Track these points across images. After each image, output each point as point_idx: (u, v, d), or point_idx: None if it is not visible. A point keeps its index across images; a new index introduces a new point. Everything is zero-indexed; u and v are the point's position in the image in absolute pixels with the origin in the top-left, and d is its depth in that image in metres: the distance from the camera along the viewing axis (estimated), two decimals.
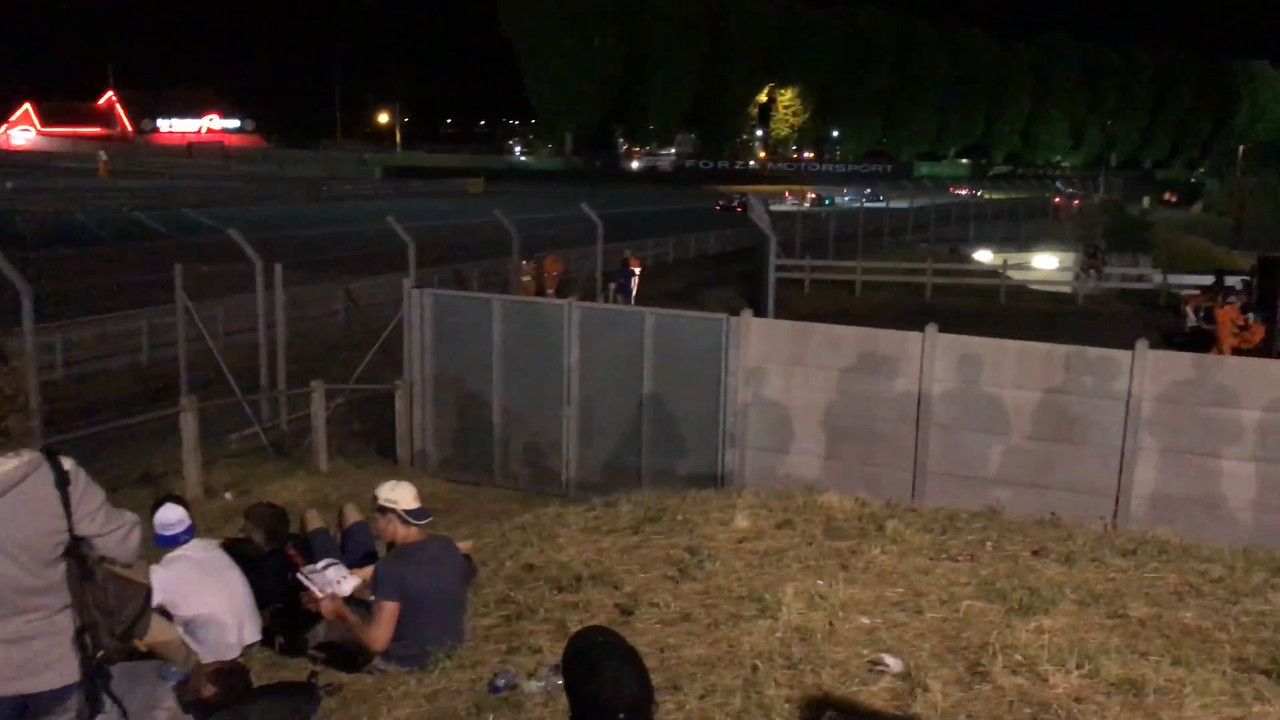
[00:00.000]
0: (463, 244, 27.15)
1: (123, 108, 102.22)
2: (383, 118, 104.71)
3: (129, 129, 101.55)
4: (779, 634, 4.72)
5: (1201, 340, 21.58)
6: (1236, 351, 19.03)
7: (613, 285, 21.48)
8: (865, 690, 4.12)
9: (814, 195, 58.35)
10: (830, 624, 4.82)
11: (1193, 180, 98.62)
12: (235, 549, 5.71)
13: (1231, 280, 27.31)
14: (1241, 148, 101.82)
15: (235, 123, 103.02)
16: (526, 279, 21.50)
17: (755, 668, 4.35)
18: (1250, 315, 22.16)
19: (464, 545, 6.04)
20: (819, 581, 5.43)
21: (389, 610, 4.87)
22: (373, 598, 4.99)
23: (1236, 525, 9.77)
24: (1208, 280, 28.88)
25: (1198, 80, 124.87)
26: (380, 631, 4.89)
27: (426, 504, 5.27)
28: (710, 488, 9.56)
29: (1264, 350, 20.27)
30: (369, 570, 5.34)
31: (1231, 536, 8.04)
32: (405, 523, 5.04)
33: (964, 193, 62.35)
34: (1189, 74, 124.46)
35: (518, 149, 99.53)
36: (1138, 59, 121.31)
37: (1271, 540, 8.32)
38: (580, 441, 12.44)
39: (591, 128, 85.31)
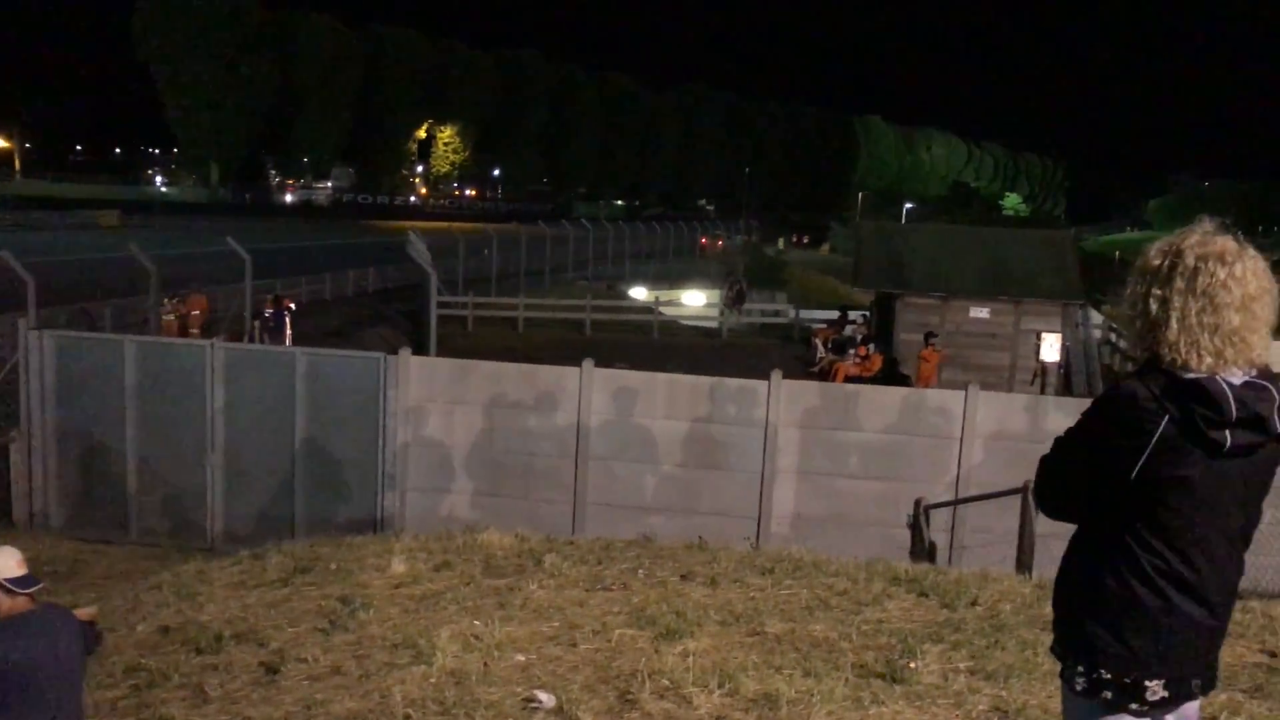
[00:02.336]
0: (94, 281, 24.94)
1: None
2: None
3: None
4: (433, 679, 4.63)
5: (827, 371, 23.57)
6: (858, 380, 20.95)
7: (256, 323, 20.39)
8: None
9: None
10: (485, 664, 4.79)
11: (821, 224, 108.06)
12: None
13: (854, 315, 30.10)
14: (861, 194, 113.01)
15: None
16: (169, 318, 20.05)
17: (408, 717, 4.25)
18: (870, 346, 24.49)
19: (84, 612, 5.46)
20: (476, 622, 5.39)
21: None
22: None
23: (861, 539, 10.70)
24: (834, 315, 31.69)
25: (823, 131, 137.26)
26: None
27: (47, 567, 4.76)
28: (369, 533, 9.29)
29: (882, 378, 22.45)
30: None
31: (858, 550, 8.78)
32: (9, 593, 4.50)
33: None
34: (817, 126, 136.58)
35: (159, 179, 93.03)
36: (773, 110, 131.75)
37: (890, 552, 9.18)
38: (227, 491, 11.74)
39: (240, 159, 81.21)
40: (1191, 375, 2.29)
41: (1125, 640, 2.37)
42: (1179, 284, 2.33)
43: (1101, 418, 2.38)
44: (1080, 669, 2.43)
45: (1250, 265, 2.34)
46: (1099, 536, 2.44)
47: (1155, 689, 2.37)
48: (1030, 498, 9.17)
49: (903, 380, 19.36)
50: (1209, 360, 2.29)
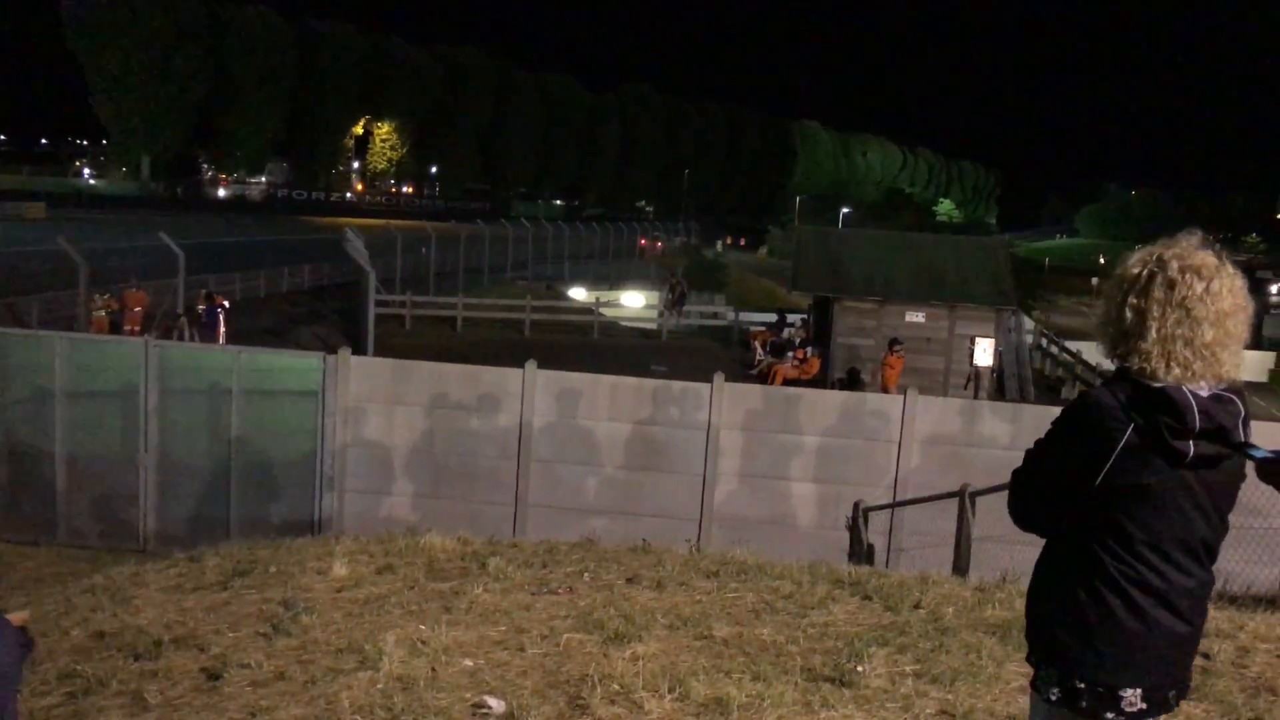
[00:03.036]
0: (19, 275, 24.28)
1: None
2: None
3: None
4: (380, 685, 4.57)
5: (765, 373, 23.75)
6: (796, 382, 21.14)
7: (184, 319, 19.99)
8: None
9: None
10: (433, 669, 4.74)
11: (758, 227, 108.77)
12: None
13: (792, 318, 30.34)
14: (799, 198, 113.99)
15: None
16: (100, 314, 19.60)
17: None
18: (808, 349, 24.74)
19: (16, 616, 5.29)
20: (421, 626, 5.33)
21: None
22: None
23: (802, 541, 10.79)
24: (772, 318, 31.93)
25: (762, 135, 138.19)
26: None
27: None
28: (307, 534, 9.15)
29: (820, 380, 22.68)
30: None
31: (798, 552, 8.84)
32: None
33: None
34: (756, 129, 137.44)
35: (86, 171, 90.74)
36: (711, 113, 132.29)
37: (831, 554, 9.26)
38: (160, 491, 11.51)
39: (172, 152, 79.52)
40: (1158, 385, 2.33)
41: (1098, 648, 2.39)
42: (1158, 294, 2.37)
43: (1069, 425, 2.42)
44: (1055, 678, 2.45)
45: (1227, 282, 2.38)
46: (1069, 546, 2.47)
47: (1132, 698, 2.39)
48: (966, 501, 9.32)
49: (859, 389, 19.52)
50: (1177, 371, 2.33)
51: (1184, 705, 4.24)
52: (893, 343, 21.32)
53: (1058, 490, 2.45)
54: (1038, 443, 2.51)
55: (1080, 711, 2.42)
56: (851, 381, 21.28)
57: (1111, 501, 2.36)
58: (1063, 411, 2.49)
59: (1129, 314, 2.39)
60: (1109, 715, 2.40)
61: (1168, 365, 2.34)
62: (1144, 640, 2.38)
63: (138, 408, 11.34)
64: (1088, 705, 2.41)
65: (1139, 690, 2.39)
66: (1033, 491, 2.54)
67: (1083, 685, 2.41)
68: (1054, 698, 2.45)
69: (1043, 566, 2.56)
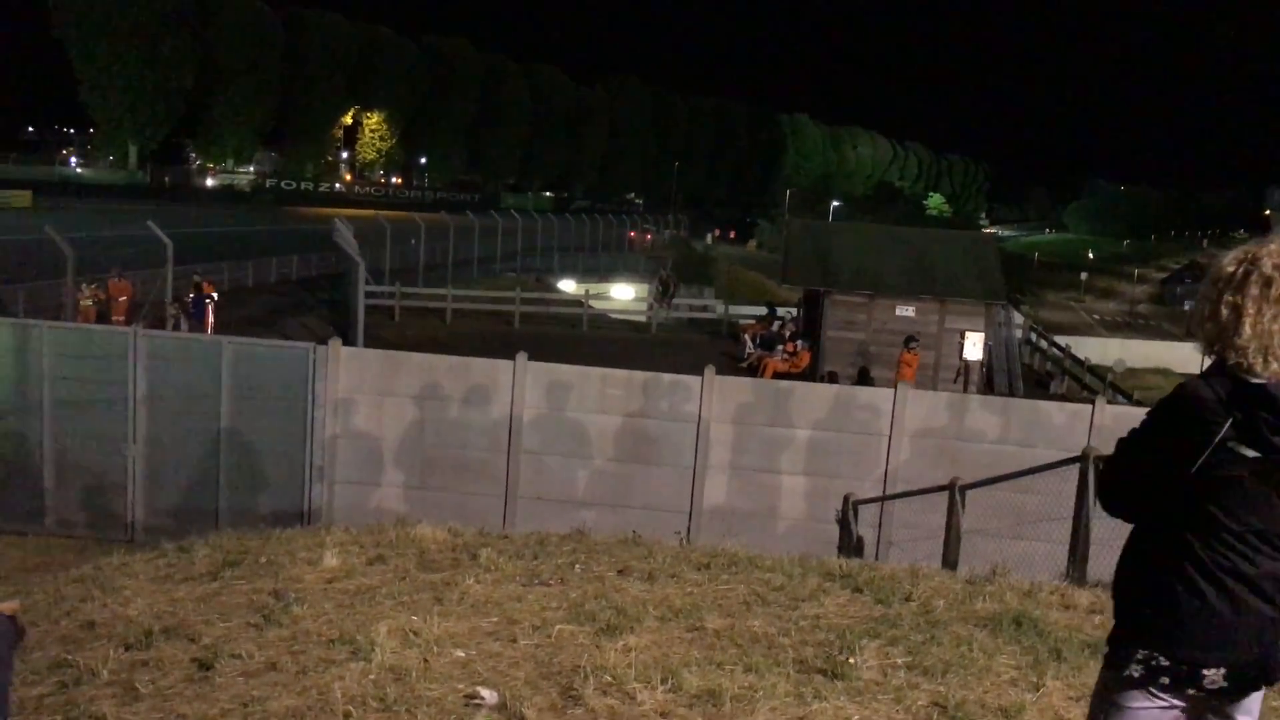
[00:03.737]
0: (5, 264, 24.13)
1: None
2: None
3: None
4: (372, 676, 4.56)
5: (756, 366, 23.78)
6: (786, 376, 21.16)
7: (173, 307, 19.86)
8: None
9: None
10: (425, 660, 4.74)
11: (748, 220, 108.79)
12: None
13: (782, 311, 30.36)
14: (789, 191, 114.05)
15: None
16: (87, 303, 19.48)
17: (348, 714, 4.18)
18: (798, 343, 24.76)
19: (6, 606, 5.28)
20: (413, 617, 5.33)
21: None
22: None
23: (792, 534, 10.82)
24: (762, 311, 31.95)
25: (751, 128, 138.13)
26: None
27: None
28: (297, 525, 9.14)
29: (809, 374, 22.72)
30: None
31: (788, 545, 8.87)
32: None
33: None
34: (744, 122, 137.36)
35: (73, 160, 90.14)
36: (700, 105, 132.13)
37: (820, 546, 9.30)
38: (148, 482, 11.47)
39: (159, 141, 79.03)
40: (1257, 380, 2.40)
41: (1187, 627, 2.46)
42: (1253, 291, 2.44)
43: (1167, 415, 2.50)
44: (1139, 655, 2.52)
45: None
46: (1160, 531, 2.54)
47: (1214, 677, 2.46)
48: (955, 494, 9.36)
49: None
50: (1275, 366, 2.40)
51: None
52: (908, 340, 21.37)
53: (1152, 479, 2.52)
54: (1133, 431, 2.58)
55: (1161, 688, 2.50)
56: (862, 380, 21.32)
57: (1205, 491, 2.43)
58: (1160, 402, 2.56)
59: (1225, 311, 2.46)
60: (1190, 691, 2.49)
61: (1265, 360, 2.40)
62: (1232, 622, 2.45)
63: (126, 398, 11.28)
64: (1170, 682, 2.49)
65: (1222, 670, 2.46)
66: (1125, 479, 2.62)
67: (1166, 663, 2.48)
68: (1136, 674, 2.53)
69: (1131, 549, 2.64)
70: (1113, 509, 2.68)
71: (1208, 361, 2.54)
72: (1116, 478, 2.65)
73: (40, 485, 11.41)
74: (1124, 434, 2.62)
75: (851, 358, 23.77)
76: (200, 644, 5.17)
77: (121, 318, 18.91)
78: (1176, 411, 2.47)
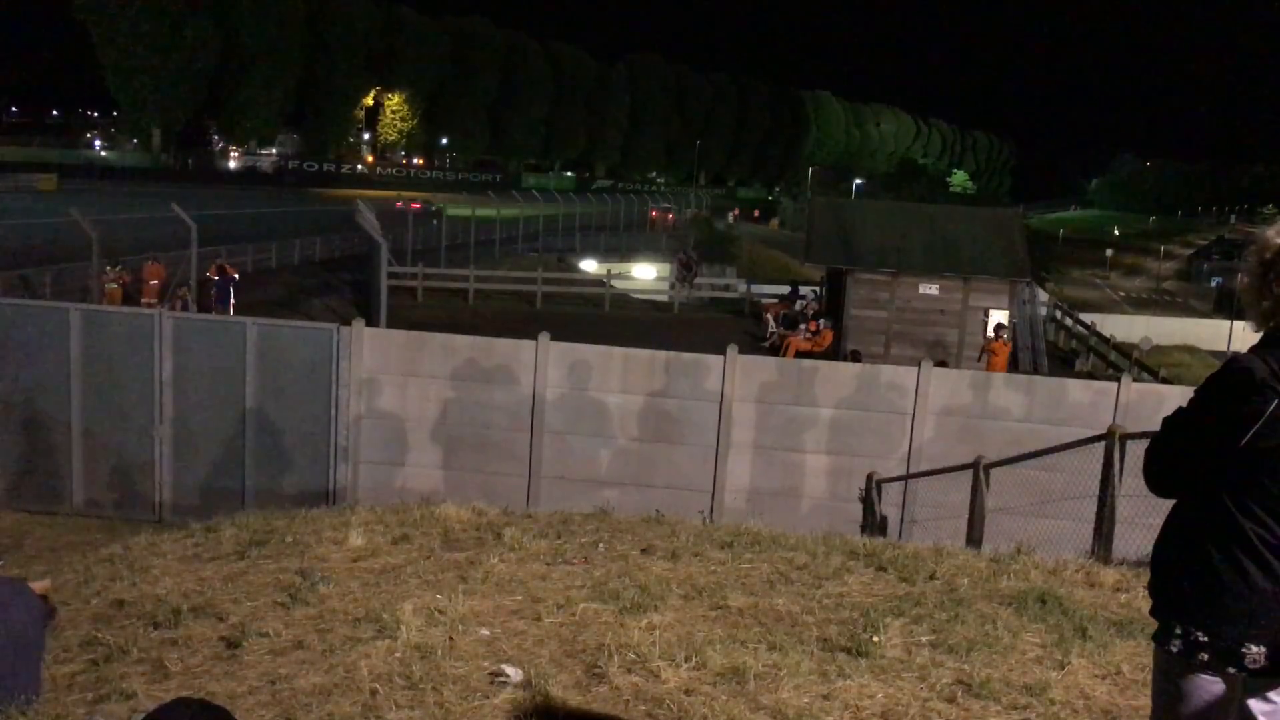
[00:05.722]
0: (32, 247, 24.32)
1: None
2: None
3: None
4: (398, 654, 4.60)
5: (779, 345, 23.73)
6: (808, 355, 21.11)
7: (184, 289, 19.95)
8: (488, 704, 4.11)
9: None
10: (450, 639, 4.77)
11: (770, 198, 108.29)
12: None
13: (805, 290, 30.24)
14: (811, 170, 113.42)
15: None
16: (113, 286, 19.63)
17: (375, 691, 4.21)
18: (821, 321, 24.68)
19: (39, 585, 5.37)
20: (438, 596, 5.36)
21: None
22: None
23: (815, 513, 10.81)
24: (785, 290, 31.84)
25: (773, 106, 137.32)
26: None
27: None
28: (321, 505, 9.19)
29: (832, 353, 22.65)
30: None
31: (811, 524, 8.87)
32: None
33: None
34: (765, 100, 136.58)
35: (98, 143, 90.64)
36: (722, 83, 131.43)
37: (844, 525, 9.29)
38: (175, 462, 11.57)
39: (182, 123, 79.35)
40: None
41: (1226, 604, 2.45)
42: None
43: (1218, 388, 2.49)
44: (1177, 630, 2.51)
45: None
46: (1203, 507, 2.53)
47: (1255, 655, 2.44)
48: (980, 473, 9.32)
49: None
50: None
51: None
52: (998, 328, 21.28)
53: (1199, 452, 2.51)
54: (1180, 409, 2.58)
55: (1200, 665, 2.48)
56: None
57: (1254, 463, 2.42)
58: (1210, 377, 2.55)
59: (1277, 288, 2.47)
60: (1230, 670, 2.47)
61: None
62: (1274, 600, 2.43)
63: (152, 379, 11.38)
64: (1209, 659, 2.47)
65: (1263, 649, 2.44)
66: (1172, 452, 2.60)
67: (1205, 639, 2.47)
68: (1175, 649, 2.52)
69: (1173, 524, 2.63)
70: (1156, 483, 2.66)
71: (1255, 338, 2.53)
72: (1162, 451, 2.63)
73: (69, 466, 11.53)
74: (1157, 412, 2.61)
75: (872, 336, 23.68)
76: (228, 622, 5.22)
77: (154, 300, 19.06)
78: (1228, 385, 2.46)
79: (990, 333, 22.50)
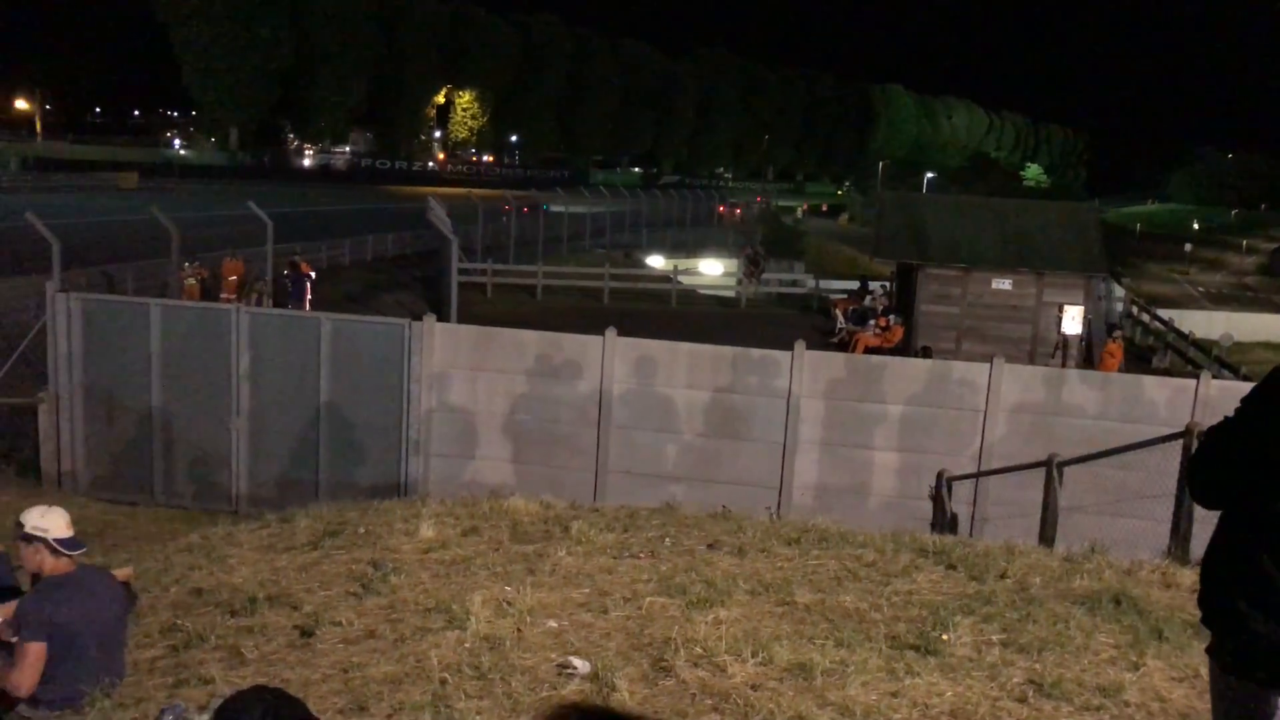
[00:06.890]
0: (114, 244, 24.98)
1: None
2: (20, 104, 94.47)
3: None
4: (468, 644, 4.66)
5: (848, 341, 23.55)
6: (878, 351, 20.91)
7: (261, 284, 20.32)
8: (555, 694, 4.16)
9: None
10: (519, 630, 4.82)
11: (839, 193, 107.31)
12: None
13: (874, 286, 29.95)
14: (881, 164, 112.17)
15: None
16: (191, 281, 20.09)
17: (444, 681, 4.28)
18: (891, 317, 24.43)
19: (121, 572, 5.54)
20: (507, 588, 5.42)
21: (34, 652, 4.38)
22: (15, 639, 4.48)
23: (883, 510, 10.71)
24: (854, 285, 31.56)
25: (841, 100, 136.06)
26: (24, 676, 4.39)
27: (77, 528, 4.79)
28: (393, 497, 9.34)
29: (902, 349, 22.41)
30: (10, 607, 4.78)
31: (880, 521, 8.79)
32: (55, 553, 4.56)
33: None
34: (834, 93, 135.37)
35: (176, 142, 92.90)
36: (790, 78, 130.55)
37: (913, 523, 9.19)
38: (252, 454, 11.83)
39: (258, 122, 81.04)
40: None
41: (1277, 616, 2.35)
42: None
43: (1265, 394, 2.41)
44: (1230, 644, 2.44)
45: None
46: (1253, 516, 2.43)
47: None
48: (1053, 471, 9.16)
49: None
50: None
51: None
52: (1111, 329, 20.94)
53: (1246, 461, 2.41)
54: (1227, 417, 2.49)
55: (1256, 681, 2.39)
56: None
57: None
58: (1259, 383, 2.46)
59: None
60: None
61: None
62: None
63: (229, 373, 11.64)
64: (1265, 675, 2.37)
65: None
66: (1217, 459, 2.51)
67: (1261, 653, 2.37)
68: (1228, 663, 2.45)
69: (1222, 537, 2.54)
70: (1200, 492, 2.56)
71: None
72: (1208, 461, 2.53)
73: (150, 459, 11.85)
74: (1228, 411, 2.52)
75: (941, 332, 23.38)
76: (302, 611, 5.34)
77: (232, 295, 19.48)
78: (1274, 389, 2.37)
79: (1071, 328, 22.07)
